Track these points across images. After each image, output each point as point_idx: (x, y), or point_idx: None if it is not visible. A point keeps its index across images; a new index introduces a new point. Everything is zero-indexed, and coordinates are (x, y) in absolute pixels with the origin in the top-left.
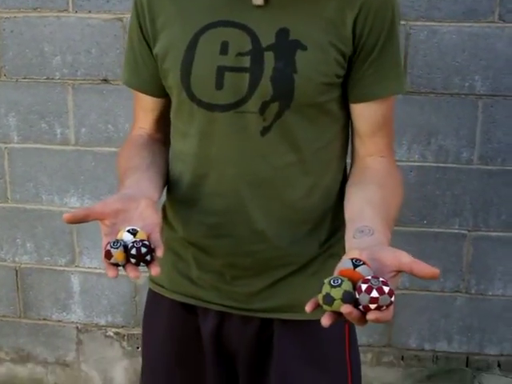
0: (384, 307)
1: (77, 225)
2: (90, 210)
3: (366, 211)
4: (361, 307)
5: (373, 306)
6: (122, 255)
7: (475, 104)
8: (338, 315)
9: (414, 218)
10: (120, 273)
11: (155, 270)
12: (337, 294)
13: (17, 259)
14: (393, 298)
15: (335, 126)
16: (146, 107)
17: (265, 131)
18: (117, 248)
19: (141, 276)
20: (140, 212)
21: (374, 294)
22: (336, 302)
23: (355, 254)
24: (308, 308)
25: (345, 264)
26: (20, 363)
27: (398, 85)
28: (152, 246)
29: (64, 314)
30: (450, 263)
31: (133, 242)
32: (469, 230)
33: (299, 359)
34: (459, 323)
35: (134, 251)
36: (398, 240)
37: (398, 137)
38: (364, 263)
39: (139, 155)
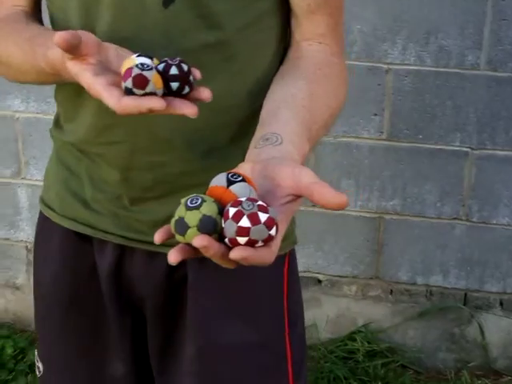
0: (259, 242)
1: (21, 131)
2: (78, 34)
3: (282, 113)
4: (227, 241)
5: (241, 240)
6: (160, 79)
7: None
8: (193, 250)
9: (407, 132)
10: None
11: (193, 109)
12: (193, 219)
13: None
14: (273, 231)
15: None
16: None
17: (168, 1)
18: (150, 69)
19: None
20: (118, 54)
21: (244, 222)
22: (190, 231)
23: (244, 168)
24: (156, 237)
25: (218, 180)
26: None
27: None
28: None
29: (12, 231)
30: (449, 186)
31: (166, 61)
32: (472, 148)
33: (219, 310)
34: (457, 255)
35: (174, 70)
36: (388, 157)
37: (390, 35)
38: (244, 180)
39: (31, 26)
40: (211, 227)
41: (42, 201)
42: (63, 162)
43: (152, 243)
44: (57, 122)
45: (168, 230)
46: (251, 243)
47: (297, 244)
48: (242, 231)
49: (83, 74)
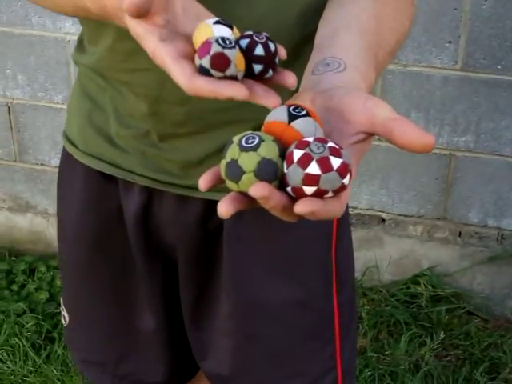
0: (329, 193)
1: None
2: None
3: (343, 36)
4: (289, 190)
5: (308, 190)
6: (242, 60)
7: None
8: (249, 200)
9: (485, 62)
10: None
11: (276, 101)
12: (249, 162)
13: (8, 94)
14: (346, 180)
15: None
16: None
17: None
18: (233, 47)
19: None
20: (184, 9)
21: (313, 168)
22: (246, 177)
23: (304, 100)
24: (202, 184)
25: (277, 114)
26: (19, 212)
27: None
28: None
29: None
30: None
31: (250, 36)
32: None
33: (258, 264)
34: None
35: (260, 50)
36: (462, 89)
37: None
38: (308, 114)
39: None
40: (272, 173)
41: (65, 135)
42: (86, 92)
43: (183, 186)
44: (80, 44)
45: (216, 174)
46: (320, 194)
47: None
48: (311, 179)
49: (148, 38)
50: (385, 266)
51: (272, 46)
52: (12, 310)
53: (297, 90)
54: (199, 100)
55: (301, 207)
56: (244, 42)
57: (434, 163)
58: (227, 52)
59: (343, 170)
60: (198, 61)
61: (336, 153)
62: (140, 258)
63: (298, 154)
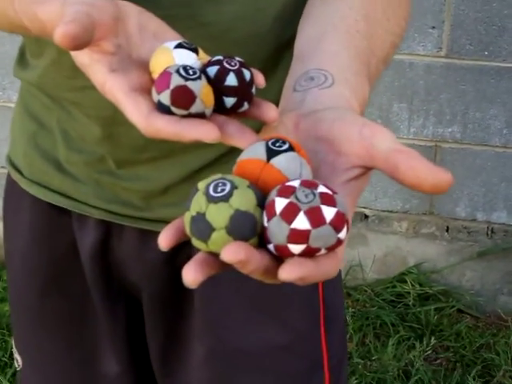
0: (321, 251)
1: None
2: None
3: (328, 41)
4: (271, 248)
5: (296, 249)
6: (211, 93)
7: None
8: (222, 263)
9: (471, 48)
10: None
11: (250, 138)
12: (220, 217)
13: None
14: (342, 234)
15: None
16: None
17: None
18: (197, 78)
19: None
20: (140, 27)
21: (301, 222)
22: (216, 236)
23: (285, 125)
24: (163, 242)
25: (252, 151)
26: None
27: None
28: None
29: None
30: None
31: (220, 62)
32: None
33: (234, 303)
34: None
35: (232, 80)
36: (447, 77)
37: None
38: (291, 148)
39: None
40: (249, 229)
41: (9, 159)
42: (30, 112)
43: (145, 219)
44: (21, 57)
45: (180, 229)
46: (310, 252)
47: None
48: (298, 236)
49: (95, 69)
50: (369, 264)
51: (247, 74)
52: None
53: (276, 104)
54: None
55: (287, 273)
56: (212, 71)
57: None
58: (191, 85)
59: (338, 222)
60: (155, 96)
61: (329, 200)
62: (99, 298)
63: (280, 203)
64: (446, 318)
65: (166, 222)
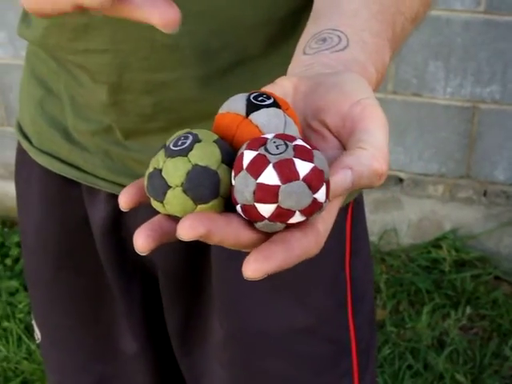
0: (296, 215)
1: None
2: None
3: (345, 1)
4: (239, 209)
5: (265, 209)
6: None
7: None
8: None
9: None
10: None
11: (173, 15)
12: (175, 172)
13: None
14: (320, 194)
15: None
16: None
17: None
18: None
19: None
20: None
21: (269, 175)
22: (171, 195)
23: (283, 86)
24: (122, 202)
25: (231, 104)
26: (11, 179)
27: None
28: None
29: None
30: None
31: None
32: None
33: (259, 286)
34: None
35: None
36: (486, 34)
37: None
38: (276, 103)
39: None
40: (208, 187)
41: (18, 126)
42: (36, 75)
43: None
44: (25, 14)
45: (142, 188)
46: (282, 216)
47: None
48: (265, 192)
49: None
50: (404, 229)
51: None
52: (4, 288)
53: None
54: (168, 88)
55: (252, 271)
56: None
57: (455, 117)
58: None
59: (315, 180)
60: None
61: (304, 154)
62: (113, 275)
63: (248, 155)
64: (482, 286)
65: None
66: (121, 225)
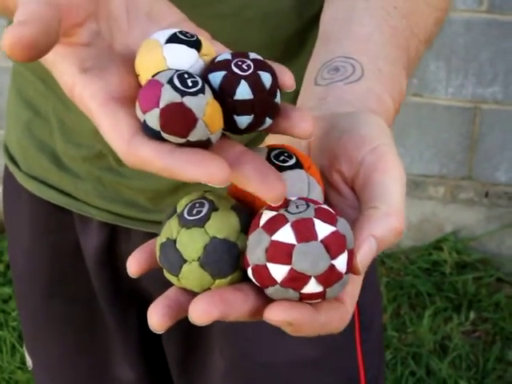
0: (311, 281)
1: None
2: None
3: (359, 21)
4: (249, 273)
5: (276, 271)
6: (218, 111)
7: None
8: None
9: None
10: None
11: (280, 190)
12: (191, 245)
13: None
14: (339, 262)
15: None
16: None
17: None
18: (199, 90)
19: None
20: (126, 1)
21: (285, 233)
22: (187, 269)
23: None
24: (131, 268)
25: None
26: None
27: None
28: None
29: None
30: None
31: (226, 65)
32: None
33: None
34: None
35: (245, 91)
36: (488, 34)
37: None
38: (299, 163)
39: None
40: (227, 262)
41: (5, 148)
42: (23, 96)
43: (153, 222)
44: None
45: (153, 254)
46: (295, 280)
47: None
48: (279, 251)
49: (61, 67)
50: (404, 231)
51: (266, 78)
52: None
53: (296, 93)
54: None
55: (274, 313)
56: (216, 79)
57: (457, 117)
58: (189, 101)
59: (335, 244)
60: (140, 115)
61: (326, 216)
62: (107, 304)
63: (267, 215)
64: (484, 288)
65: None
66: (115, 253)
